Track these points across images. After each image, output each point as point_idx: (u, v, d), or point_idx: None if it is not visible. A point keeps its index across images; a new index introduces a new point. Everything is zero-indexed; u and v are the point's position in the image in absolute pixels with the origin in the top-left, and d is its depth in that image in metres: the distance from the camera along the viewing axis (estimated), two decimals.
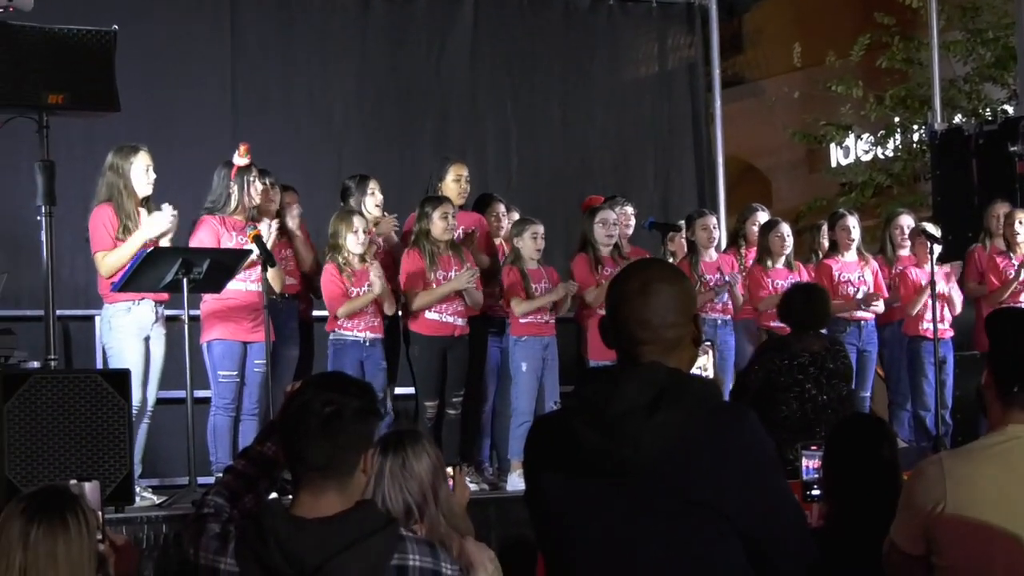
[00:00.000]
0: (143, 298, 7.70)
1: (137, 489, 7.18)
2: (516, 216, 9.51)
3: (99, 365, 7.87)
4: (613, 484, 2.98)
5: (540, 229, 8.89)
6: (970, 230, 10.23)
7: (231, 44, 11.20)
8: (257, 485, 3.61)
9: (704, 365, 7.86)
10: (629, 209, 9.59)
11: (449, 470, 7.50)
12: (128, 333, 7.73)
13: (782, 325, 8.29)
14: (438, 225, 8.46)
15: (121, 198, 7.77)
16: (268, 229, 8.01)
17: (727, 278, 9.60)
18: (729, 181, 13.22)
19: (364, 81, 11.65)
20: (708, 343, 8.31)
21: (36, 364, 7.60)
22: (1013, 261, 9.89)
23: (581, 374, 5.43)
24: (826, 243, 10.39)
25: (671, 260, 9.50)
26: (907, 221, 10.52)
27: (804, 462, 5.82)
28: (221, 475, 3.80)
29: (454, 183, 9.02)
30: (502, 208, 9.55)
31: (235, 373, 8.06)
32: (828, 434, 4.90)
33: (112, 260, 7.65)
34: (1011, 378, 3.58)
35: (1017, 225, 9.90)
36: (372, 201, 8.90)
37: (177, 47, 10.81)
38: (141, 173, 7.83)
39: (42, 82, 7.36)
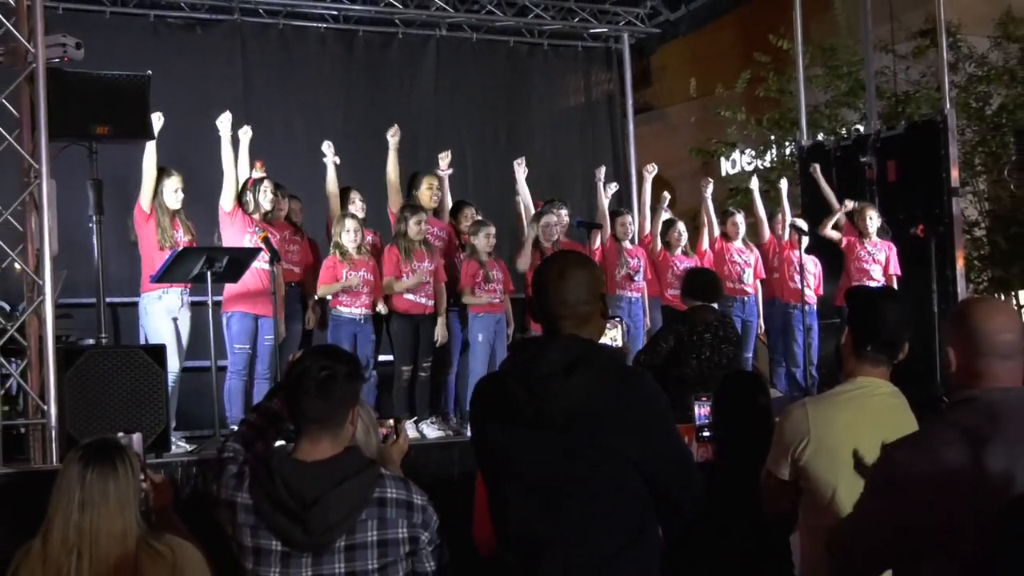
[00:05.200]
0: (171, 287, 7.68)
1: (172, 439, 7.14)
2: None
3: (141, 341, 7.82)
4: (538, 432, 2.99)
5: (492, 230, 8.87)
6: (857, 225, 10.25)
7: (242, 85, 11.23)
8: (267, 434, 3.61)
9: (614, 336, 7.86)
10: (564, 211, 9.58)
11: (410, 424, 7.52)
12: (160, 316, 7.72)
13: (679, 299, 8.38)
14: (413, 228, 8.47)
15: (157, 212, 7.81)
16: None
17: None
18: (641, 188, 13.20)
19: (349, 110, 11.66)
20: (616, 318, 8.35)
21: (90, 341, 7.56)
22: (866, 245, 9.95)
23: (513, 344, 5.41)
24: (716, 233, 10.43)
25: (598, 252, 9.55)
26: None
27: (697, 409, 5.84)
28: (237, 426, 3.80)
29: (427, 191, 9.04)
30: (472, 211, 9.51)
31: (248, 346, 8.05)
32: (716, 387, 4.91)
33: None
34: (864, 340, 3.62)
35: (868, 220, 9.96)
36: (355, 207, 8.91)
37: (199, 88, 10.76)
38: (172, 191, 7.85)
39: (90, 117, 7.29)
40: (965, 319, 2.88)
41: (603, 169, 10.39)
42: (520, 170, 9.64)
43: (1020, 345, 2.82)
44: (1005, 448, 2.69)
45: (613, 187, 10.39)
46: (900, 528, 2.76)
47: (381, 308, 8.38)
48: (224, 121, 8.24)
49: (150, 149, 7.70)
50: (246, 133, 8.40)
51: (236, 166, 8.24)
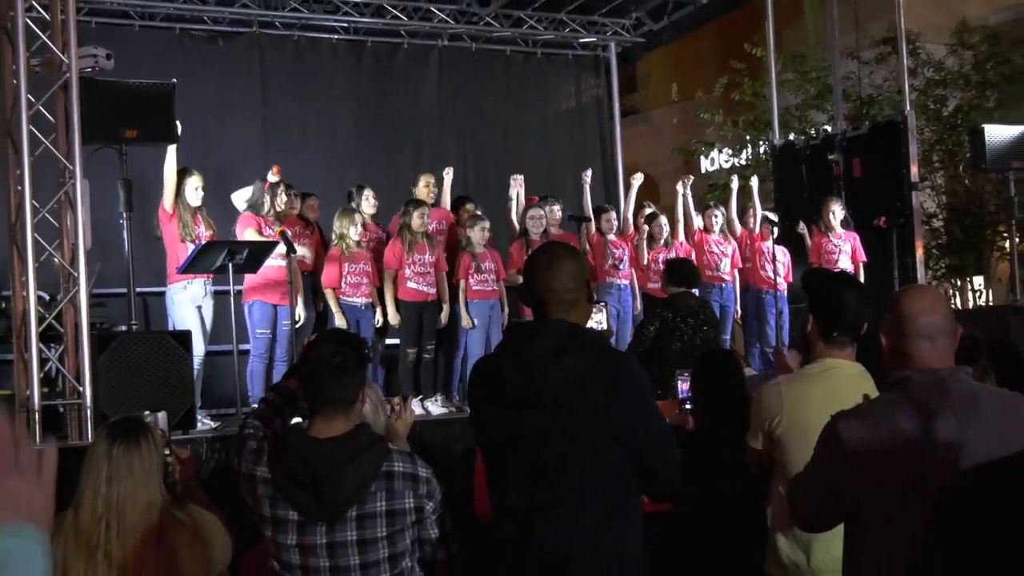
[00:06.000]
0: (195, 278, 7.65)
1: (197, 417, 7.13)
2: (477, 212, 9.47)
3: (168, 328, 7.79)
4: (530, 409, 2.98)
5: (487, 224, 8.86)
6: (800, 217, 10.25)
7: (261, 92, 11.26)
8: (284, 412, 3.60)
9: (600, 320, 7.86)
10: (556, 207, 9.56)
11: (416, 401, 7.48)
12: (186, 304, 7.68)
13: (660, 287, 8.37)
14: (416, 221, 8.45)
15: (180, 209, 7.77)
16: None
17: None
18: (627, 185, 13.18)
19: (359, 116, 11.66)
20: (601, 303, 8.34)
21: (122, 328, 7.57)
22: (831, 238, 9.93)
23: (507, 328, 5.38)
24: (695, 226, 10.42)
25: (588, 246, 9.53)
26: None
27: (680, 385, 5.86)
28: (257, 405, 3.79)
29: (424, 188, 9.08)
30: (472, 206, 9.52)
31: (268, 331, 8.02)
32: (696, 365, 4.91)
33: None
34: (830, 327, 3.61)
35: (831, 216, 9.93)
36: (367, 203, 8.97)
37: (221, 95, 10.79)
38: (194, 190, 7.80)
39: (120, 121, 7.29)
40: (892, 305, 2.84)
41: (590, 172, 10.35)
42: (516, 184, 9.58)
43: (945, 326, 2.77)
44: (929, 423, 2.66)
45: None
46: (842, 493, 2.75)
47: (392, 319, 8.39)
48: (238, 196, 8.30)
49: (171, 154, 7.66)
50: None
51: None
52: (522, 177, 9.68)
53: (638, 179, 10.28)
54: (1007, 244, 13.57)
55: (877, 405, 2.84)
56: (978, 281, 16.92)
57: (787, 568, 3.56)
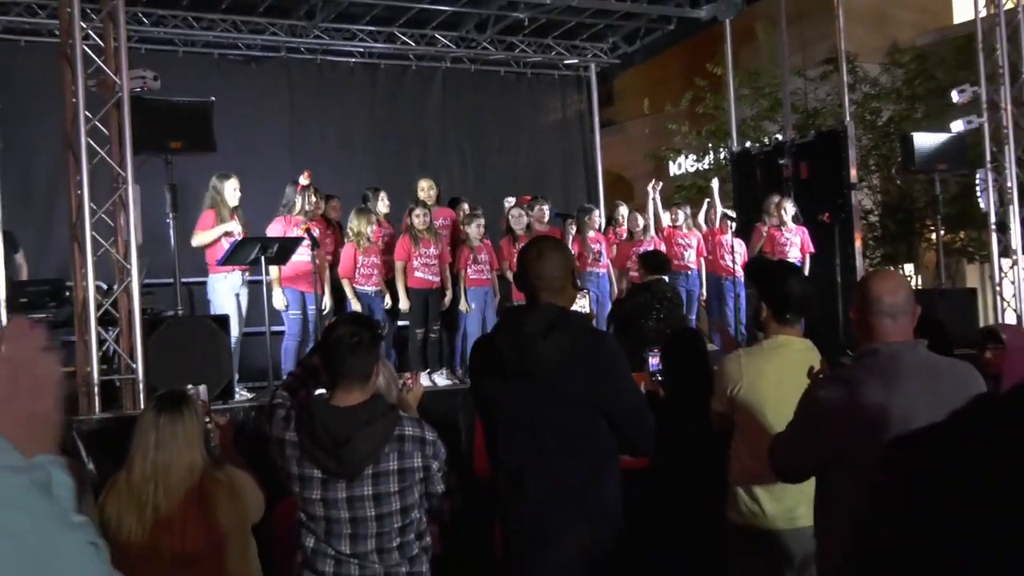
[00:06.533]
0: (233, 270, 7.58)
1: (236, 389, 7.09)
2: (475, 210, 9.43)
3: (210, 313, 7.75)
4: (523, 381, 2.97)
5: (482, 221, 8.83)
6: (755, 214, 10.24)
7: (289, 108, 11.23)
8: (308, 385, 3.57)
9: (583, 304, 7.84)
10: (545, 206, 9.52)
11: (424, 375, 7.42)
12: (225, 292, 7.61)
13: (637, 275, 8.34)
14: (416, 220, 8.42)
15: (219, 207, 7.69)
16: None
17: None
18: (606, 187, 13.24)
19: (374, 127, 11.60)
20: (585, 290, 8.30)
21: (169, 313, 7.50)
22: (784, 232, 9.90)
23: (503, 310, 5.34)
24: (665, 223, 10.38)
25: (570, 238, 9.49)
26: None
27: (650, 359, 5.83)
28: (285, 378, 3.76)
29: (421, 192, 8.97)
30: (466, 205, 9.46)
31: (299, 313, 7.93)
32: (665, 341, 4.90)
33: (198, 239, 7.67)
34: (781, 310, 3.60)
35: (783, 213, 9.90)
36: (382, 203, 8.89)
37: (254, 109, 10.74)
38: (231, 191, 7.73)
39: (167, 134, 7.22)
40: (861, 286, 2.87)
41: (660, 184, 10.30)
42: (509, 203, 9.57)
43: (906, 306, 2.78)
44: (891, 389, 2.66)
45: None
46: (817, 448, 2.75)
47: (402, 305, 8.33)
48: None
49: (215, 231, 7.57)
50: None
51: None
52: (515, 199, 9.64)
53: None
54: (933, 236, 13.56)
55: (848, 372, 2.85)
56: (909, 268, 16.91)
57: (744, 515, 3.56)
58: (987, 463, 0.97)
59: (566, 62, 12.77)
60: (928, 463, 1.03)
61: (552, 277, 3.04)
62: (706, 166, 16.93)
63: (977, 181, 10.32)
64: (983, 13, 10.14)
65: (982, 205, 10.32)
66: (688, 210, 10.48)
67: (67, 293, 7.47)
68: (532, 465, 2.97)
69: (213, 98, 7.56)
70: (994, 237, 10.16)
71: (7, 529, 0.87)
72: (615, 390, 2.98)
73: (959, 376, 2.76)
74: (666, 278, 7.78)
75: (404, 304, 8.37)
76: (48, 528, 0.90)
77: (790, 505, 3.42)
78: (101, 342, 6.49)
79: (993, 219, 10.11)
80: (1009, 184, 9.98)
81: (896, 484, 1.05)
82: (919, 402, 2.56)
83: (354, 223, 8.31)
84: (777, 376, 3.47)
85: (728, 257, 9.89)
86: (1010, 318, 9.99)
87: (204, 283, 7.97)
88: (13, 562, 0.87)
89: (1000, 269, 10.21)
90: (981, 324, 9.54)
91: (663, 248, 9.67)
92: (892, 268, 15.03)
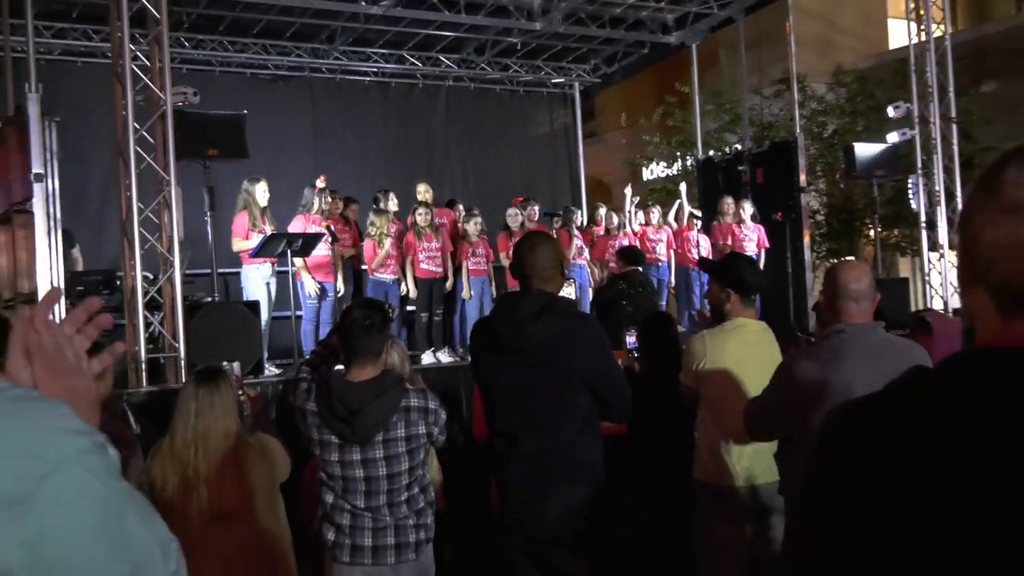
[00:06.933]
0: (264, 262, 7.52)
1: (265, 365, 7.07)
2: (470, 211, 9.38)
3: (243, 299, 7.71)
4: (516, 358, 2.96)
5: (479, 219, 8.78)
6: (717, 213, 10.21)
7: (312, 121, 11.25)
8: (328, 361, 3.55)
9: (569, 292, 7.81)
10: (536, 206, 9.50)
11: (428, 352, 7.37)
12: (256, 281, 7.55)
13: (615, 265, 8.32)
14: (418, 218, 8.38)
15: (251, 208, 7.62)
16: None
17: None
18: (588, 190, 13.24)
19: (386, 137, 11.58)
20: (571, 279, 8.27)
21: (207, 299, 7.48)
22: (743, 229, 9.87)
23: (500, 296, 5.32)
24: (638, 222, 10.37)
25: (555, 234, 9.45)
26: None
27: (628, 339, 5.81)
28: (308, 356, 3.74)
29: (419, 193, 8.89)
30: (462, 206, 9.42)
31: (316, 300, 7.91)
32: (640, 323, 4.88)
33: (238, 245, 7.57)
34: (747, 293, 3.59)
35: (742, 211, 9.87)
36: (392, 203, 8.81)
37: (281, 121, 10.71)
38: (261, 193, 7.67)
39: (204, 142, 7.19)
40: (830, 273, 2.89)
41: (685, 186, 10.26)
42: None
43: (868, 292, 2.81)
44: (854, 364, 2.68)
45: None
46: (788, 412, 2.76)
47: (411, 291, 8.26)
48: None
49: (252, 242, 7.42)
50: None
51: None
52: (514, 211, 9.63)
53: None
54: (872, 233, 13.56)
55: (818, 348, 2.86)
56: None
57: (709, 473, 3.55)
58: (919, 428, 0.95)
59: (554, 81, 12.75)
60: (865, 428, 0.98)
61: (543, 267, 3.02)
62: (675, 172, 16.86)
63: (909, 185, 10.35)
64: (915, 40, 10.17)
65: (914, 206, 10.35)
66: (659, 210, 10.46)
67: (118, 282, 7.44)
68: (525, 431, 2.97)
69: (245, 112, 7.52)
70: (924, 234, 10.21)
71: (83, 488, 0.85)
72: (597, 365, 2.97)
73: (912, 354, 2.79)
74: (640, 269, 7.79)
75: (412, 292, 8.37)
76: (115, 485, 0.88)
77: (747, 465, 3.43)
78: (147, 325, 6.47)
79: (923, 218, 10.15)
80: (937, 188, 10.04)
81: (834, 449, 0.99)
82: (878, 376, 2.55)
83: (377, 222, 8.28)
84: (737, 353, 3.47)
85: (694, 251, 9.93)
86: (937, 304, 10.02)
87: (238, 273, 7.93)
88: (94, 517, 0.85)
89: (929, 261, 10.26)
90: (912, 310, 9.56)
91: (637, 243, 9.69)
92: (834, 261, 15.04)
